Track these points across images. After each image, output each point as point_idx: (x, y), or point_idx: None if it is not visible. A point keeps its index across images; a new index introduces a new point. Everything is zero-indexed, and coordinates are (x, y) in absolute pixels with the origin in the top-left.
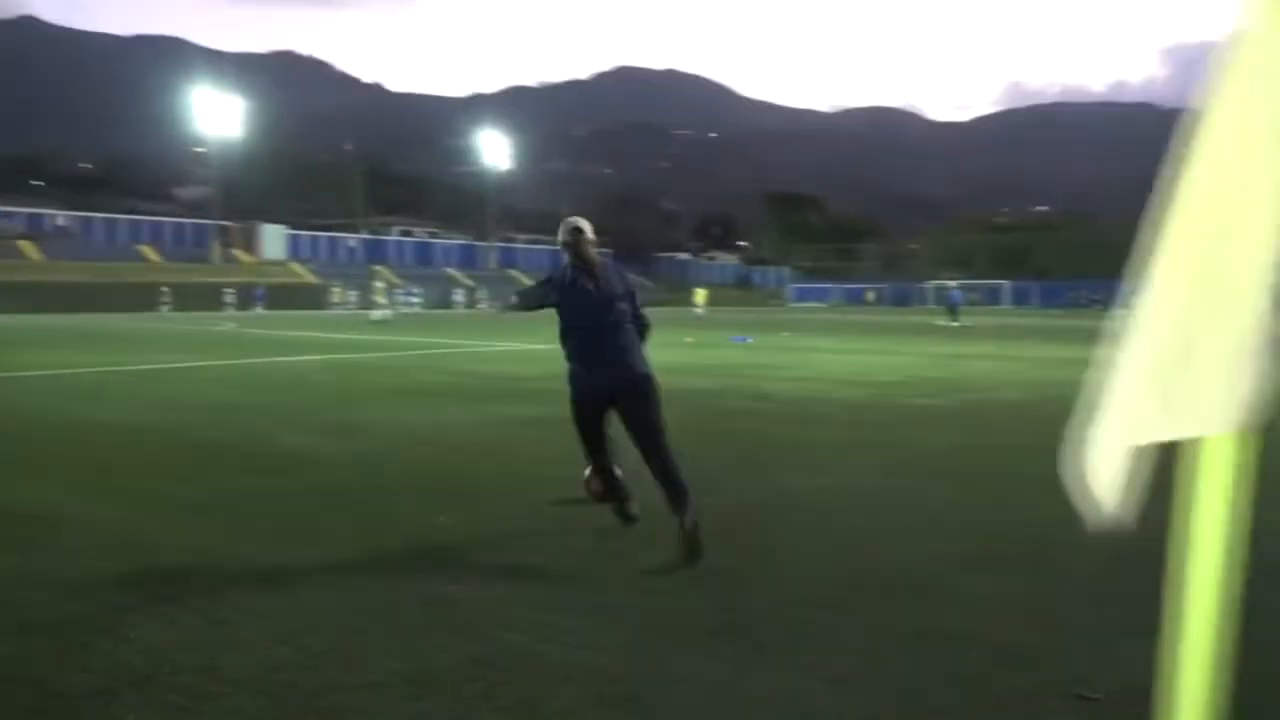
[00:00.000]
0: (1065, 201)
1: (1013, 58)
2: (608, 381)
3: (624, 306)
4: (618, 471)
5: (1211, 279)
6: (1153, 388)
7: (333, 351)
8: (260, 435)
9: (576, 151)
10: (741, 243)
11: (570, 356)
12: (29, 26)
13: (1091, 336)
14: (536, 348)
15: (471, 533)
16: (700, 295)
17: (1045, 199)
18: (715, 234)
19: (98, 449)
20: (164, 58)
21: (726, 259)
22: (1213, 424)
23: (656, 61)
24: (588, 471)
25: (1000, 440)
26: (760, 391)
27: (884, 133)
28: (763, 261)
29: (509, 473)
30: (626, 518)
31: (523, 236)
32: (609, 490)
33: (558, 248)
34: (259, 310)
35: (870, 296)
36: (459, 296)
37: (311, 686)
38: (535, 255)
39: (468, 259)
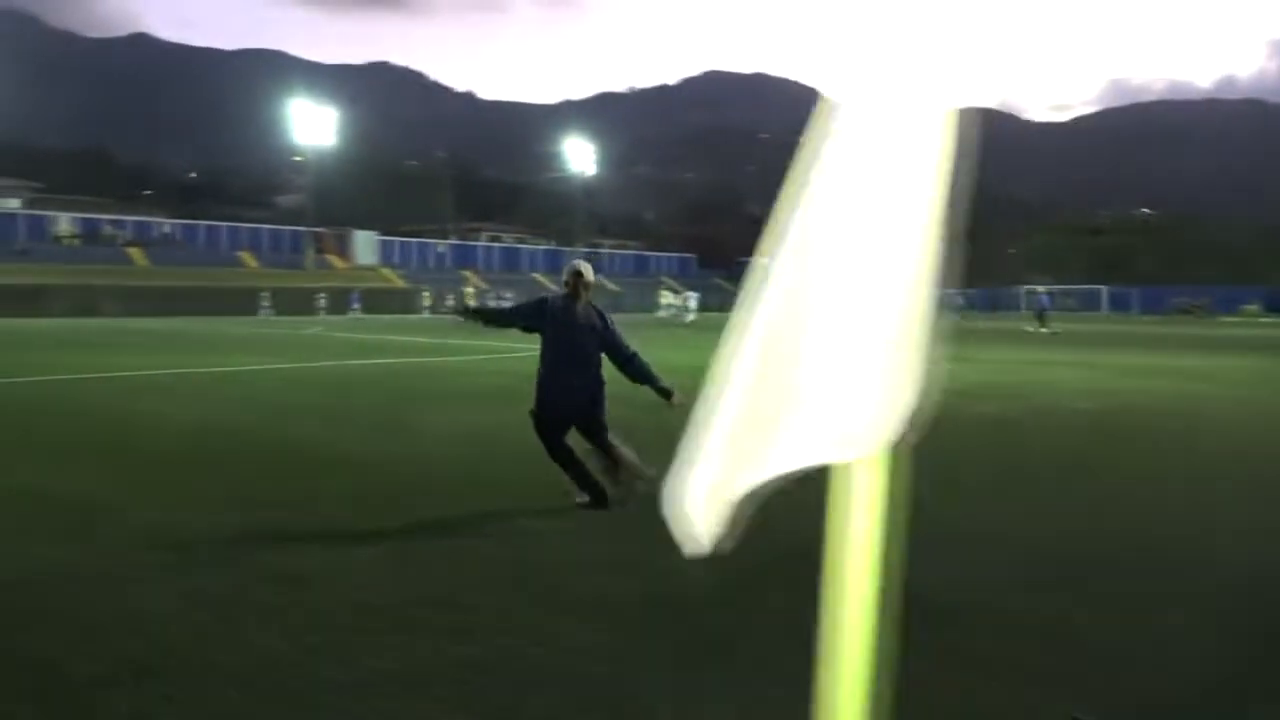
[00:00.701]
0: (1169, 203)
1: (1114, 55)
2: (569, 404)
3: (594, 340)
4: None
5: (827, 303)
6: (765, 423)
7: (409, 355)
8: (312, 435)
9: (663, 157)
10: None
11: (541, 381)
12: (142, 43)
13: (1186, 345)
14: None
15: (489, 534)
16: None
17: (1148, 201)
18: None
19: (155, 446)
20: (267, 70)
21: None
22: (847, 449)
23: (744, 65)
24: (577, 495)
25: (1054, 452)
26: None
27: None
28: None
29: (537, 476)
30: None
31: (608, 242)
32: (586, 483)
33: (637, 253)
34: (354, 314)
35: (959, 302)
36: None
37: (300, 683)
38: (620, 260)
39: (554, 264)
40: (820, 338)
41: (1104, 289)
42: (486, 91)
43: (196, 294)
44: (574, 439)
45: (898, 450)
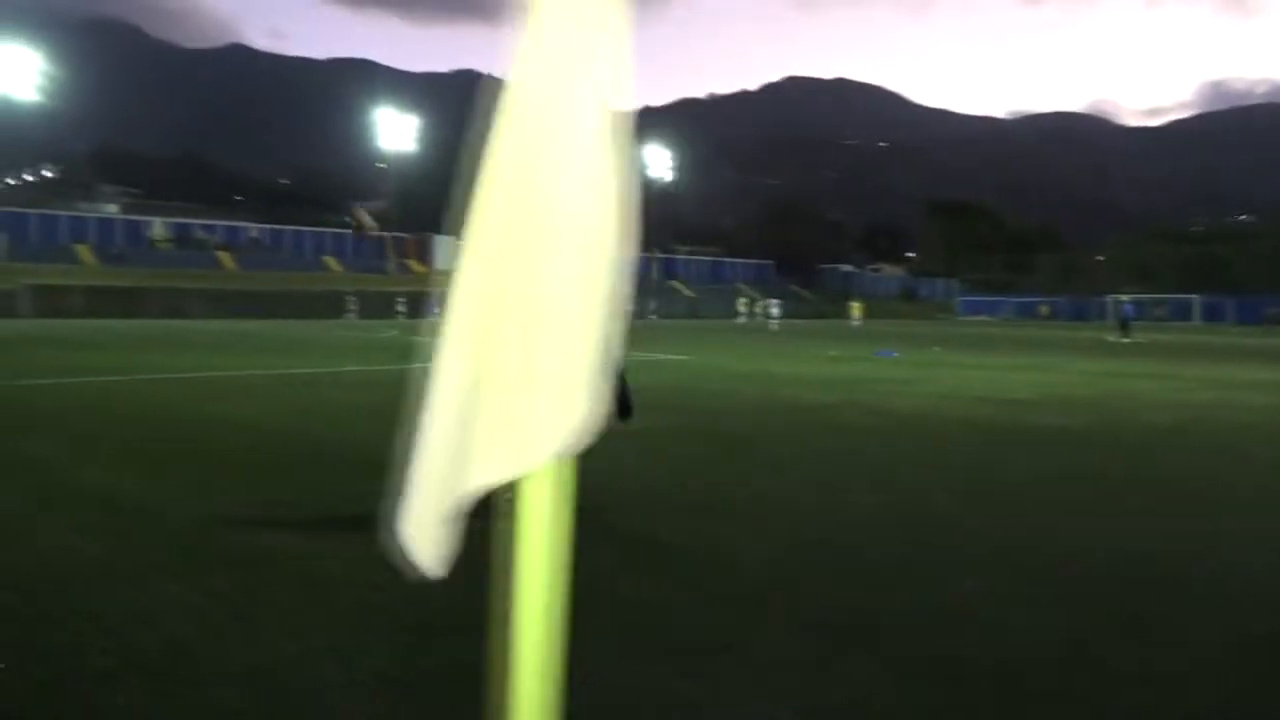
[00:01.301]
0: (1269, 211)
1: (1213, 57)
2: None
3: None
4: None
5: (508, 303)
6: (462, 435)
7: None
8: (363, 438)
9: (743, 163)
10: (909, 254)
11: None
12: (237, 53)
13: (1278, 357)
14: (668, 358)
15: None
16: (856, 308)
17: (1246, 208)
18: (881, 245)
19: (211, 446)
20: (356, 79)
21: (892, 271)
22: (530, 459)
23: (825, 70)
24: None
25: (1112, 466)
26: (881, 408)
27: (1068, 139)
28: (930, 273)
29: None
30: None
31: (685, 248)
32: None
33: (713, 259)
34: (435, 318)
35: (1044, 310)
36: (630, 307)
37: (297, 683)
38: (696, 266)
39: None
40: (506, 338)
41: (1196, 299)
42: None
43: (282, 297)
44: None
45: (574, 456)
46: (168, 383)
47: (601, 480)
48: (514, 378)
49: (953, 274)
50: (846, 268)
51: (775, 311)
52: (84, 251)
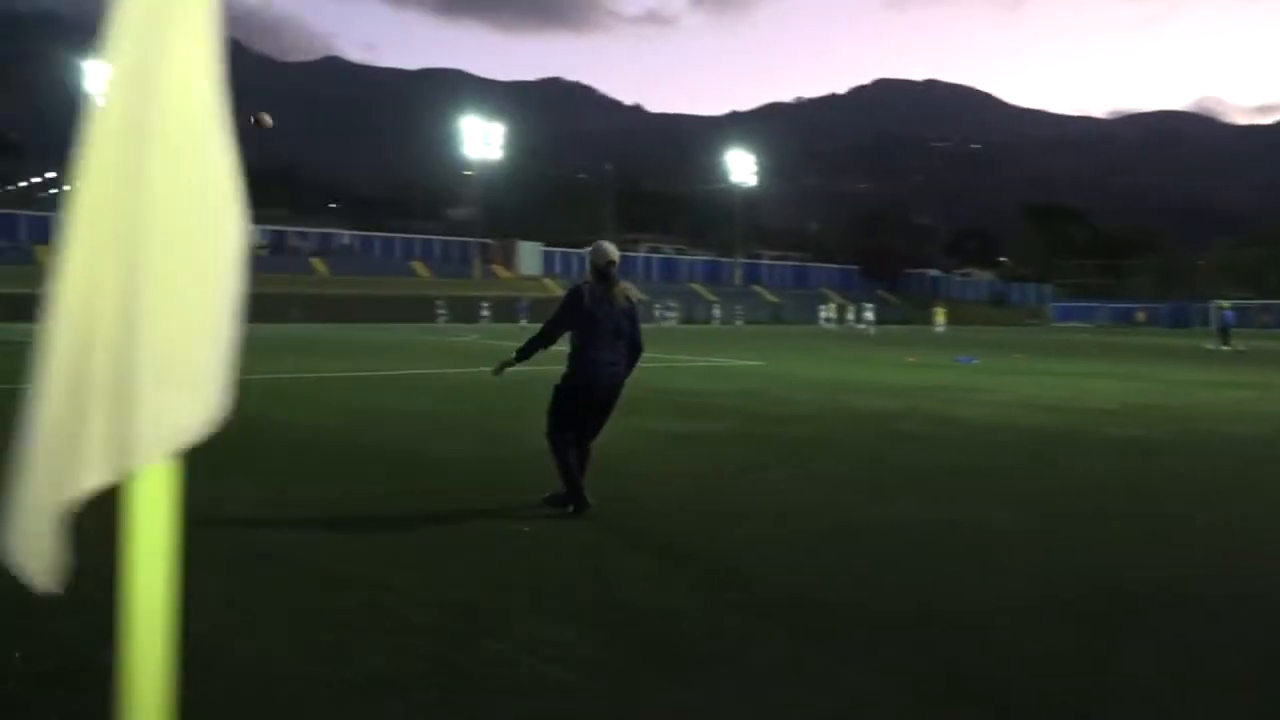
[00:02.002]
0: None
1: None
2: (602, 387)
3: (628, 325)
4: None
5: (113, 311)
6: (68, 437)
7: (547, 364)
8: (412, 442)
9: (831, 167)
10: (1001, 259)
11: (581, 355)
12: (333, 65)
13: None
14: (740, 363)
15: (530, 541)
16: (940, 313)
17: None
18: (971, 249)
19: (265, 444)
20: (446, 89)
21: (982, 275)
22: (141, 457)
23: (916, 73)
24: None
25: (1181, 480)
26: (945, 415)
27: (1171, 139)
28: (1022, 278)
29: (605, 484)
30: (578, 503)
31: (769, 253)
32: (571, 481)
33: (797, 264)
34: (523, 323)
35: (1140, 317)
36: (716, 312)
37: (286, 680)
38: (779, 271)
39: (712, 274)
40: (109, 338)
41: None
42: (654, 104)
43: (372, 302)
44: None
45: (183, 456)
46: (240, 384)
47: (633, 481)
48: (118, 376)
49: (1046, 279)
50: (934, 272)
51: (869, 316)
52: None
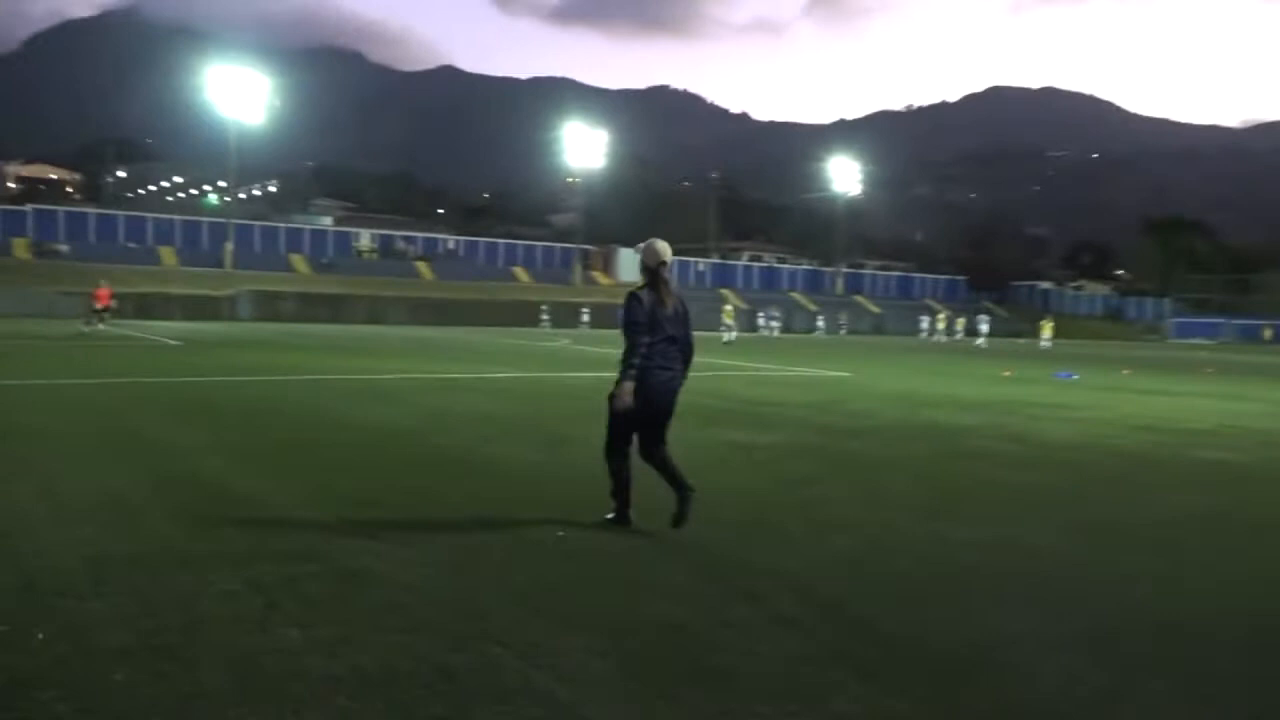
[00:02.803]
0: None
1: None
2: (660, 394)
3: (682, 329)
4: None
5: None
6: None
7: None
8: (475, 444)
9: (940, 176)
10: (1118, 272)
11: (647, 360)
12: (447, 74)
13: None
14: (828, 374)
15: (552, 547)
16: (1046, 327)
17: None
18: (1086, 262)
19: (331, 441)
20: (555, 97)
21: (1096, 289)
22: None
23: (1032, 80)
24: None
25: (1263, 508)
26: (1025, 433)
27: None
28: (1140, 292)
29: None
30: (621, 519)
31: (872, 263)
32: (621, 497)
33: (901, 274)
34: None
35: (1267, 334)
36: (820, 322)
37: (278, 673)
38: (882, 281)
39: (813, 284)
40: None
41: None
42: (761, 112)
43: (473, 306)
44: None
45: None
46: (324, 384)
47: (697, 494)
48: None
49: (1164, 294)
50: (1045, 285)
51: (984, 328)
52: (298, 261)
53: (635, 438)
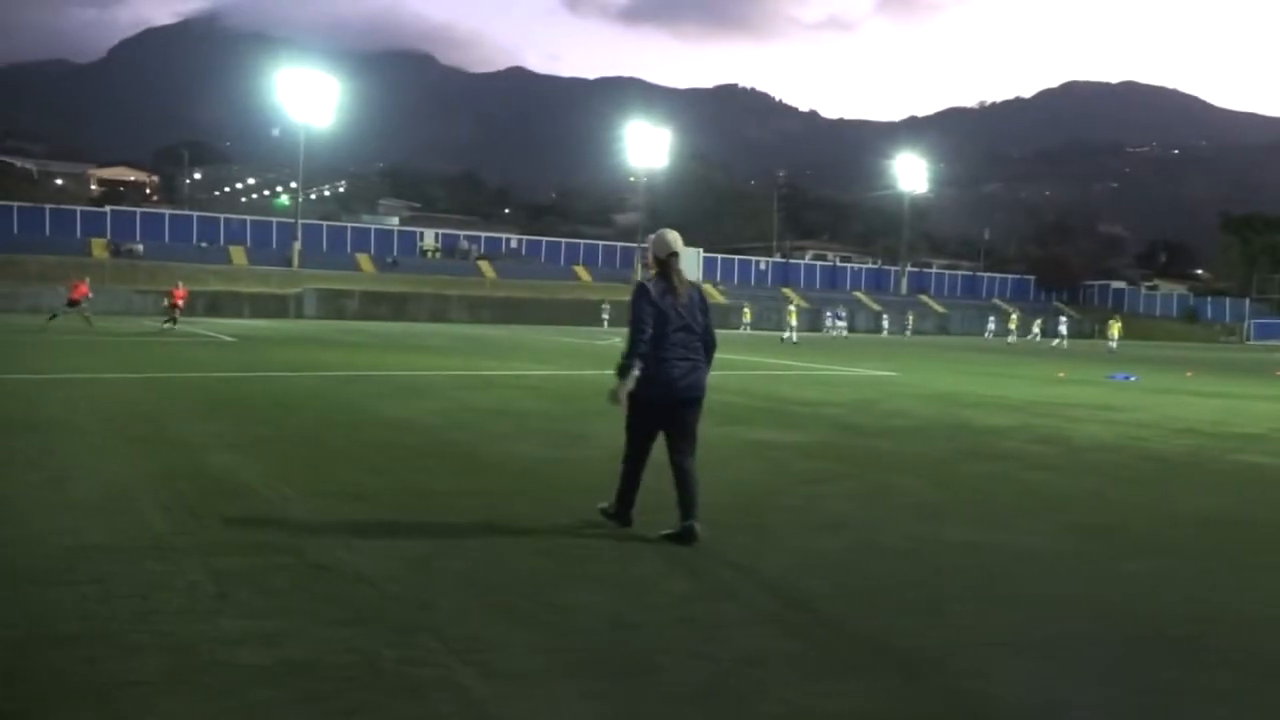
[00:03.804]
0: None
1: None
2: (681, 389)
3: (700, 319)
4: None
5: None
6: None
7: None
8: (491, 440)
9: (1013, 174)
10: (1198, 271)
11: (653, 357)
12: (516, 76)
13: None
14: (876, 373)
15: (536, 543)
16: (1114, 327)
17: None
18: (1162, 261)
19: (341, 440)
20: (623, 97)
21: (1172, 288)
22: None
23: (1111, 74)
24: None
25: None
26: (1057, 434)
27: None
28: (1219, 293)
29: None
30: (622, 520)
31: (939, 261)
32: (625, 497)
33: (968, 273)
34: None
35: None
36: (885, 321)
37: (209, 660)
38: (949, 280)
39: (877, 283)
40: None
41: None
42: (830, 110)
43: (534, 304)
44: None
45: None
46: (362, 380)
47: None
48: None
49: (1246, 294)
50: (1118, 284)
51: (1064, 330)
52: (363, 260)
53: (663, 439)
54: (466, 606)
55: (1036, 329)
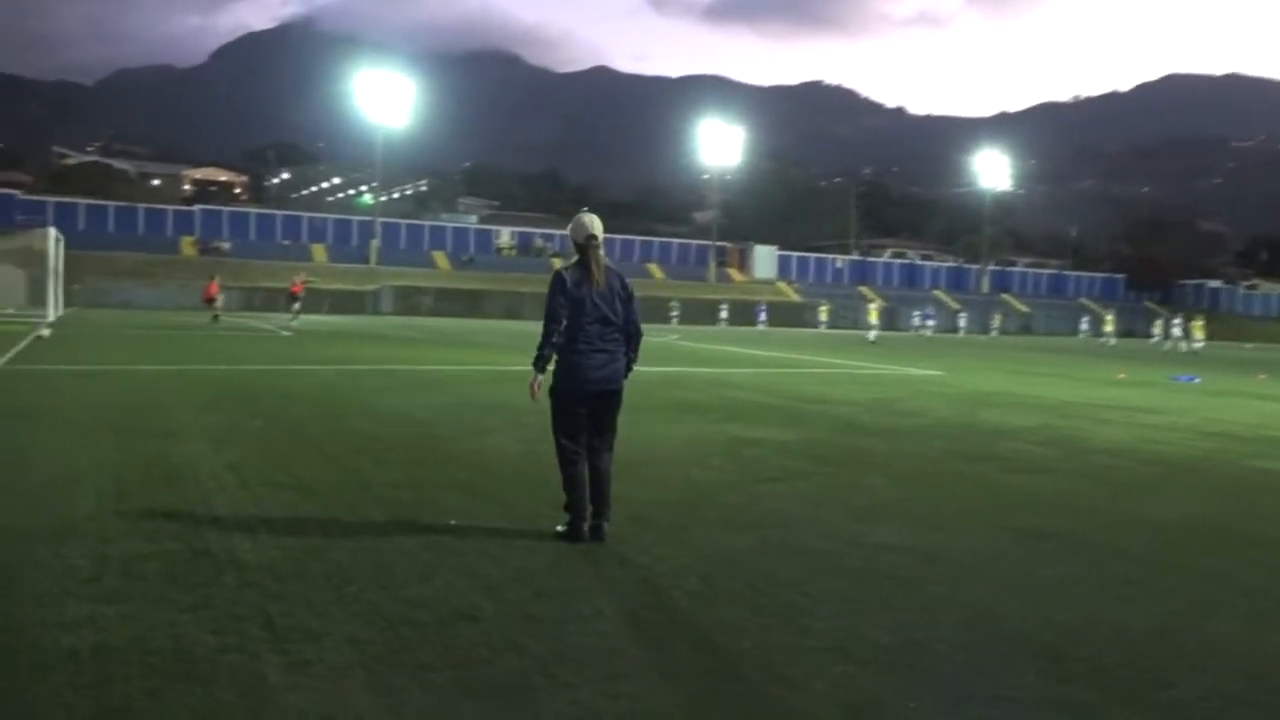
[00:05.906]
0: None
1: None
2: (594, 383)
3: (619, 310)
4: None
5: None
6: None
7: (671, 364)
8: (475, 436)
9: (1109, 170)
10: None
11: (565, 348)
12: (601, 75)
13: None
14: (919, 373)
15: (464, 540)
16: (1198, 328)
17: None
18: (1263, 259)
19: (331, 433)
20: (707, 95)
21: (1273, 288)
22: None
23: (1213, 66)
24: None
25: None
26: (1073, 436)
27: None
28: None
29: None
30: (574, 535)
31: (1023, 260)
32: (575, 509)
33: (1054, 272)
34: (761, 327)
35: None
36: (962, 321)
37: (26, 643)
38: (1033, 279)
39: (957, 281)
40: None
41: None
42: (918, 106)
43: None
44: None
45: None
46: (383, 374)
47: (635, 486)
48: None
49: None
50: (1214, 283)
51: (1177, 331)
52: (439, 258)
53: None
54: (314, 598)
55: (1176, 329)
